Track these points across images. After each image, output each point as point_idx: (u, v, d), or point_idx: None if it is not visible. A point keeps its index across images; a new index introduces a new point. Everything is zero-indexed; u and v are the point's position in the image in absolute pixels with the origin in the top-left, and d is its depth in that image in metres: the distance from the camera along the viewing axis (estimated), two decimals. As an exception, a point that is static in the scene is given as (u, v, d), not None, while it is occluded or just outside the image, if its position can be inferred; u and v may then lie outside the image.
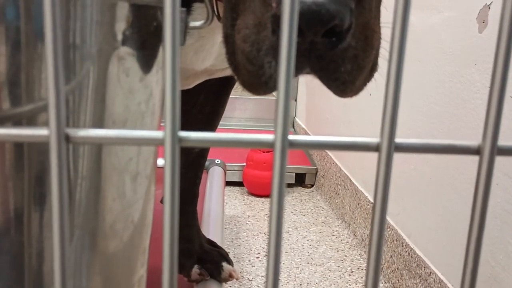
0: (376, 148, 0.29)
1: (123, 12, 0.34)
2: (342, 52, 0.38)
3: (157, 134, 0.28)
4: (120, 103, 0.35)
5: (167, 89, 0.27)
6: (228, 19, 0.44)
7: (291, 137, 0.29)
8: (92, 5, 0.33)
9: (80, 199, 0.34)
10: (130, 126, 0.36)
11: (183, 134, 0.28)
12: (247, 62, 0.40)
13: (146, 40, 0.36)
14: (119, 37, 0.34)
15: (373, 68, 0.43)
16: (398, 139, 0.29)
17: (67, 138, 0.28)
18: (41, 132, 0.28)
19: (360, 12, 0.39)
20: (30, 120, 0.32)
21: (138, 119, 0.37)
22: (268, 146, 0.30)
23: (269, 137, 0.30)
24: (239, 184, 1.72)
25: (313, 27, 0.35)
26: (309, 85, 2.21)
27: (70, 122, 0.33)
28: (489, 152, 0.30)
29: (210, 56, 0.62)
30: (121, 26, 0.34)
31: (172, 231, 0.28)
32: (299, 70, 0.39)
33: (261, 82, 0.40)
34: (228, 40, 0.44)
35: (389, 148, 0.29)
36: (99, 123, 0.34)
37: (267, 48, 0.38)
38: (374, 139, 0.29)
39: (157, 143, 0.29)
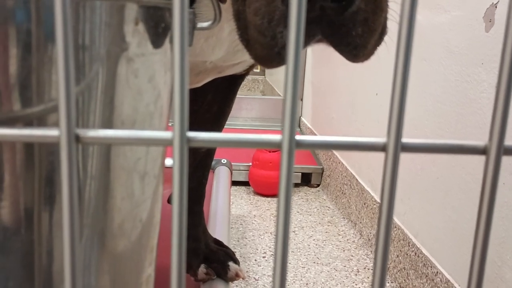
0: (382, 148, 0.29)
1: (131, 13, 0.34)
2: (352, 15, 0.38)
3: (166, 134, 0.29)
4: (129, 104, 0.35)
5: (176, 90, 0.27)
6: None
7: (298, 137, 0.30)
8: (101, 7, 0.33)
9: (89, 199, 0.35)
10: (138, 127, 0.36)
11: (192, 134, 0.29)
12: (259, 35, 0.41)
13: (154, 41, 0.36)
14: (128, 38, 0.34)
15: (383, 31, 0.44)
16: (404, 139, 0.29)
17: (77, 139, 0.28)
18: (52, 132, 0.29)
19: None
20: (40, 121, 0.33)
21: (146, 120, 0.37)
22: (275, 147, 0.30)
23: (276, 137, 0.30)
24: (245, 183, 1.73)
25: None
26: (315, 85, 2.21)
27: (79, 123, 0.34)
28: (495, 152, 0.30)
29: (221, 45, 0.63)
30: (129, 27, 0.34)
31: (180, 232, 0.29)
32: (310, 38, 0.39)
33: (273, 54, 0.41)
34: (239, 16, 0.45)
35: (395, 148, 0.30)
36: (108, 124, 0.35)
37: (278, 18, 0.39)
38: (380, 139, 0.29)
39: (166, 144, 0.29)
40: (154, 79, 0.37)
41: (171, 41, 0.38)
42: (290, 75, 0.27)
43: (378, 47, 0.44)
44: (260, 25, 0.41)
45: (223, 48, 0.62)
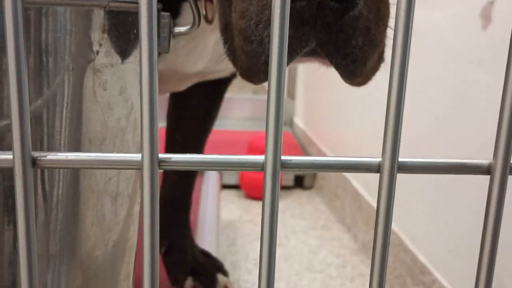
0: (377, 169, 0.26)
1: (98, 20, 0.31)
2: (353, 20, 0.34)
3: (134, 157, 0.26)
4: (97, 120, 0.32)
5: (144, 108, 0.24)
6: (226, 6, 0.40)
7: (284, 157, 0.26)
8: (65, 14, 0.30)
9: (56, 226, 0.31)
10: (109, 144, 0.33)
11: (163, 156, 0.26)
12: (245, 41, 0.37)
13: (125, 49, 0.33)
14: (95, 47, 0.31)
15: (381, 56, 0.40)
16: (401, 158, 0.26)
17: (34, 163, 0.25)
18: (4, 156, 0.25)
19: None
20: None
21: (117, 136, 0.34)
22: (257, 169, 0.27)
23: (258, 158, 0.27)
24: (236, 187, 1.69)
25: None
26: (308, 83, 2.18)
27: (44, 143, 0.31)
28: (501, 171, 0.28)
29: (203, 59, 0.59)
30: (96, 35, 0.31)
31: (152, 263, 0.26)
32: (303, 45, 0.35)
33: (259, 64, 0.36)
34: (227, 28, 0.41)
35: (391, 168, 0.27)
36: (75, 143, 0.31)
37: (268, 19, 0.35)
38: (374, 159, 0.26)
39: (134, 167, 0.26)
40: (126, 91, 0.34)
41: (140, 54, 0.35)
42: (274, 80, 0.24)
43: (375, 73, 0.40)
44: (246, 29, 0.36)
45: (206, 60, 0.59)
